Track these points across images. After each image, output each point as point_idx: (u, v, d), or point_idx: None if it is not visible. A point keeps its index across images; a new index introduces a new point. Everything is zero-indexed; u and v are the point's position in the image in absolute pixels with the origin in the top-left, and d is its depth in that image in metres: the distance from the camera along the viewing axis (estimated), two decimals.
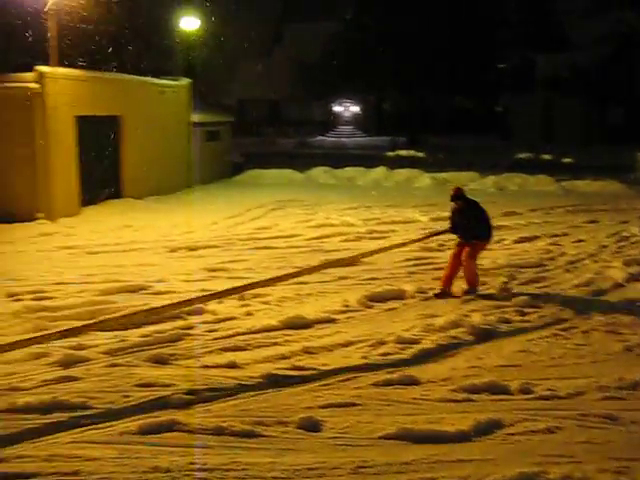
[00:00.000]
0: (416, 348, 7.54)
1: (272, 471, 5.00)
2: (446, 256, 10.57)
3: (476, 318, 8.50)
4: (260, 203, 18.75)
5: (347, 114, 58.10)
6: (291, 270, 9.93)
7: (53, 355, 7.18)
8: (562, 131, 39.91)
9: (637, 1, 38.38)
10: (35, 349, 7.23)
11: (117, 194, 18.86)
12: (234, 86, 50.96)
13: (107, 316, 7.88)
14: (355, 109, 57.76)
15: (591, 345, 7.72)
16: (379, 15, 42.27)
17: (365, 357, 7.32)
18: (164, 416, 5.78)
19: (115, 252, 12.65)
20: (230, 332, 8.02)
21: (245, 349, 7.52)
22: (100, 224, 15.50)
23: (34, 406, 5.95)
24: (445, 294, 9.59)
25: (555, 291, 9.95)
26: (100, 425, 5.66)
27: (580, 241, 13.57)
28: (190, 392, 6.33)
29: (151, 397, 6.23)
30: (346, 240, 13.66)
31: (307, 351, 7.42)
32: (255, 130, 46.25)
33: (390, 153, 35.53)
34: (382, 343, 7.69)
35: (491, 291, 9.86)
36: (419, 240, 11.09)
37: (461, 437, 5.54)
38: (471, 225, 9.69)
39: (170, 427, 5.61)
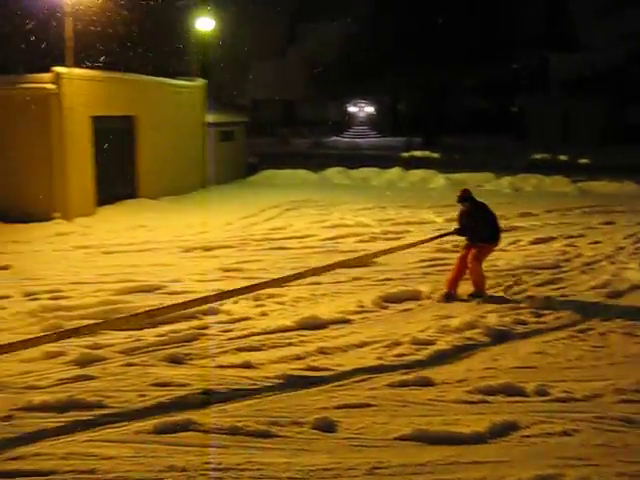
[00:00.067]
0: (431, 349, 7.52)
1: (287, 471, 5.01)
2: None
3: (492, 319, 8.47)
4: (275, 203, 18.76)
5: (362, 114, 58.05)
6: (292, 272, 9.84)
7: (69, 354, 7.22)
8: (578, 131, 39.70)
9: None
10: (51, 348, 7.29)
11: (132, 194, 18.94)
12: (248, 86, 51.05)
13: (120, 315, 7.93)
14: (370, 109, 57.70)
15: (608, 347, 7.67)
16: (395, 15, 42.20)
17: (380, 358, 7.30)
18: (180, 415, 5.80)
19: (130, 252, 12.71)
20: (245, 332, 8.03)
21: (260, 349, 7.53)
22: (115, 224, 15.57)
23: (51, 405, 5.99)
24: (450, 297, 9.49)
25: (571, 293, 9.90)
26: (116, 424, 5.69)
27: (597, 242, 13.48)
28: (205, 392, 6.34)
29: (167, 397, 6.25)
30: (361, 241, 13.64)
31: (322, 351, 7.42)
32: (269, 130, 46.30)
33: (405, 154, 35.48)
34: (397, 344, 7.67)
35: (505, 293, 9.82)
36: (426, 241, 10.94)
37: (477, 439, 5.51)
38: (478, 228, 9.58)
39: (186, 426, 5.62)
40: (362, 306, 9.09)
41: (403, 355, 7.37)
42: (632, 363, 7.20)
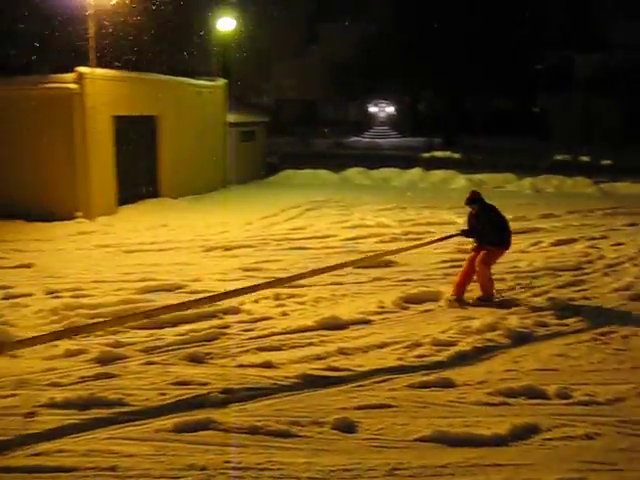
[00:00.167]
0: (452, 350, 7.48)
1: (307, 471, 5.01)
2: None
3: (513, 321, 8.41)
4: (295, 203, 18.77)
5: (382, 115, 57.95)
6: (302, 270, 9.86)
7: (91, 352, 7.28)
8: (601, 132, 39.33)
9: None
10: (73, 346, 7.36)
11: (153, 193, 19.06)
12: (269, 86, 51.20)
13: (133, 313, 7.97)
14: (390, 110, 57.58)
15: (631, 350, 7.58)
16: (417, 15, 42.09)
17: (400, 359, 7.28)
18: (200, 414, 5.82)
19: (151, 251, 12.78)
20: (266, 332, 8.04)
21: (280, 349, 7.53)
22: (137, 223, 15.67)
23: (73, 402, 6.04)
24: (459, 300, 9.30)
25: (593, 295, 9.79)
26: (136, 422, 5.72)
27: (619, 244, 13.33)
28: (226, 391, 6.36)
29: (187, 395, 6.27)
30: (381, 241, 13.61)
31: (342, 352, 7.41)
32: (290, 130, 46.38)
33: (425, 154, 35.37)
34: (418, 345, 7.64)
35: (526, 295, 9.74)
36: (435, 242, 10.85)
37: (497, 441, 5.48)
38: (485, 231, 9.37)
39: (206, 425, 5.64)
40: (383, 307, 9.07)
41: (423, 356, 7.35)
42: None
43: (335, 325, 8.26)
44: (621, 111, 39.65)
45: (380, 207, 18.17)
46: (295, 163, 27.53)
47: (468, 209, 9.77)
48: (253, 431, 5.57)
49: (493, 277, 9.50)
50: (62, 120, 16.01)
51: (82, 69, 16.13)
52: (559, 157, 31.67)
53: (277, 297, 9.35)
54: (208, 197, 20.39)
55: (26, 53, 24.12)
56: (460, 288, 9.39)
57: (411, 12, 42.75)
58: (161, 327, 8.11)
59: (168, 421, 5.71)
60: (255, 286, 8.44)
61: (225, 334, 7.97)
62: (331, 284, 10.10)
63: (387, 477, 4.97)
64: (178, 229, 15.09)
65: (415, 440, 5.51)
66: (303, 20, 55.57)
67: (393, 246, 12.87)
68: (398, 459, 5.19)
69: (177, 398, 6.22)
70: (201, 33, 29.56)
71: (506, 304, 9.23)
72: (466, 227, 9.88)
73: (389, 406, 6.09)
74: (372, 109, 57.40)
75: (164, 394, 6.29)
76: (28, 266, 11.37)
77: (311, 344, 7.69)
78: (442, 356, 7.34)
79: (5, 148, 16.40)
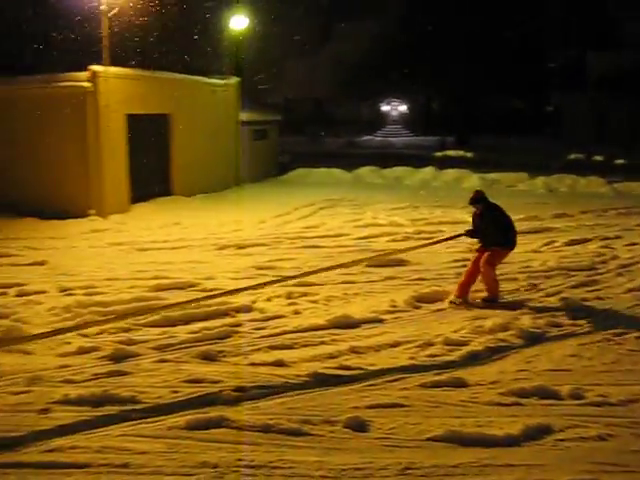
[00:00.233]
0: (464, 350, 7.46)
1: (319, 470, 5.01)
2: None
3: (525, 321, 8.38)
4: (308, 202, 18.78)
5: (395, 113, 57.92)
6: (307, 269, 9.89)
7: (104, 349, 7.32)
8: (614, 131, 39.10)
9: None
10: (86, 343, 7.41)
11: (166, 192, 19.11)
12: (282, 85, 51.17)
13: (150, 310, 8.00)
14: (403, 108, 57.52)
15: None
16: (430, 15, 41.99)
17: (412, 358, 7.27)
18: (212, 412, 5.84)
19: (164, 249, 12.83)
20: (278, 330, 8.06)
21: (292, 347, 7.54)
22: (149, 221, 15.72)
23: (86, 399, 6.08)
24: (464, 302, 9.21)
25: (607, 295, 9.73)
26: (149, 419, 5.74)
27: (633, 244, 13.24)
28: (238, 389, 6.37)
29: (199, 393, 6.29)
30: (394, 240, 13.60)
31: (354, 351, 7.41)
32: (302, 129, 46.38)
33: (438, 153, 35.32)
34: (430, 344, 7.63)
35: (539, 295, 9.70)
36: (440, 242, 10.81)
37: (510, 441, 5.46)
38: (488, 231, 9.24)
39: (218, 423, 5.66)
40: (395, 306, 9.06)
41: (436, 355, 7.34)
42: None
43: (347, 324, 8.26)
44: (635, 110, 39.37)
45: (393, 206, 18.14)
46: (307, 162, 27.48)
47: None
48: (265, 429, 5.58)
49: (506, 277, 9.46)
50: (75, 118, 16.09)
51: (95, 67, 16.20)
52: (572, 156, 31.52)
53: (289, 295, 9.36)
54: (221, 195, 20.42)
55: (39, 52, 24.26)
56: (464, 289, 9.31)
57: (425, 11, 42.63)
58: (174, 325, 8.15)
59: (180, 419, 5.72)
60: (254, 286, 8.52)
61: (237, 332, 7.99)
62: (343, 283, 10.11)
63: (399, 476, 4.97)
64: (191, 227, 15.13)
65: (427, 440, 5.50)
66: (316, 19, 55.51)
67: (405, 245, 12.86)
68: (410, 458, 5.18)
69: (189, 396, 6.24)
70: (214, 31, 29.61)
71: (516, 304, 9.18)
72: (471, 227, 9.81)
73: (401, 405, 6.08)
74: (384, 108, 57.34)
75: (176, 392, 6.31)
76: (41, 263, 11.44)
77: (323, 343, 7.70)
78: (454, 356, 7.32)
79: (19, 146, 16.51)
